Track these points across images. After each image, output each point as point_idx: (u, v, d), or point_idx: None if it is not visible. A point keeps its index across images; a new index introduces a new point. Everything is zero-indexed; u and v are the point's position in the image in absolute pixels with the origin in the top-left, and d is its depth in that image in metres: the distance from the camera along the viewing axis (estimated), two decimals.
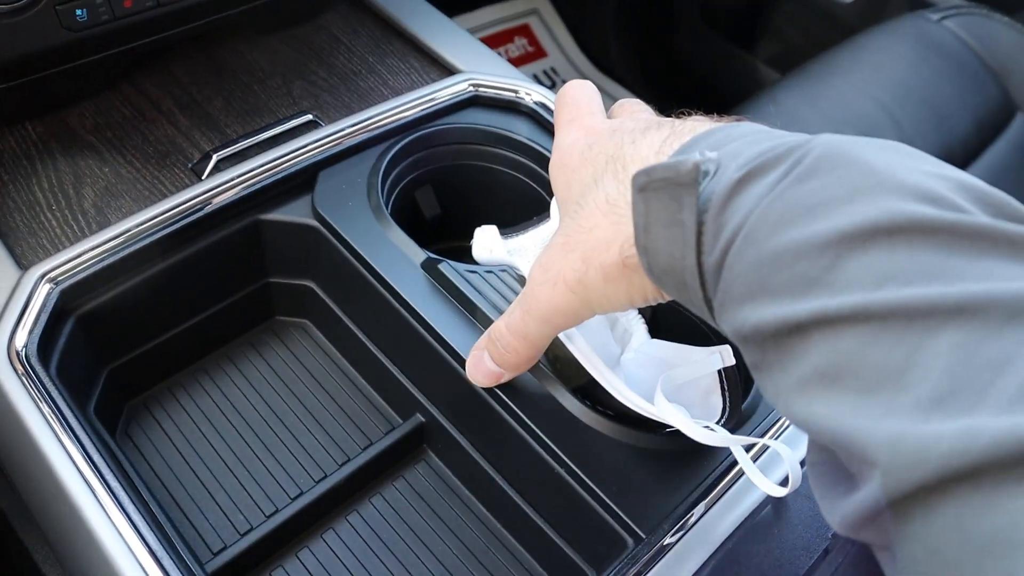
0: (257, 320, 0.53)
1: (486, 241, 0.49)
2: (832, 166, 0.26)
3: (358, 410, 0.49)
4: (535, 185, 0.55)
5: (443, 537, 0.45)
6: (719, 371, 0.40)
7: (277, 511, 0.43)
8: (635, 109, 0.41)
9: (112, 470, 0.38)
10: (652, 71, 1.26)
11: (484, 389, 0.42)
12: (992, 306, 0.22)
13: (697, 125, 0.33)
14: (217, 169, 0.49)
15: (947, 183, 0.25)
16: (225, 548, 0.41)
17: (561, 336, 0.41)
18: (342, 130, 0.51)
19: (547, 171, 0.53)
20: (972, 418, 0.20)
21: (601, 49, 1.33)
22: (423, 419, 0.47)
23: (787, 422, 0.42)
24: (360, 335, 0.49)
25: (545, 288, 0.35)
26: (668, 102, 0.54)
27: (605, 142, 0.36)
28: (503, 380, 0.41)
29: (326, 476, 0.46)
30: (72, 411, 0.39)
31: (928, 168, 0.26)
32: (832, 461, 0.25)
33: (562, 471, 0.40)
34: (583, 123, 0.38)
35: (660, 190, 0.28)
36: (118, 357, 0.47)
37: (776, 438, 0.41)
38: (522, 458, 0.42)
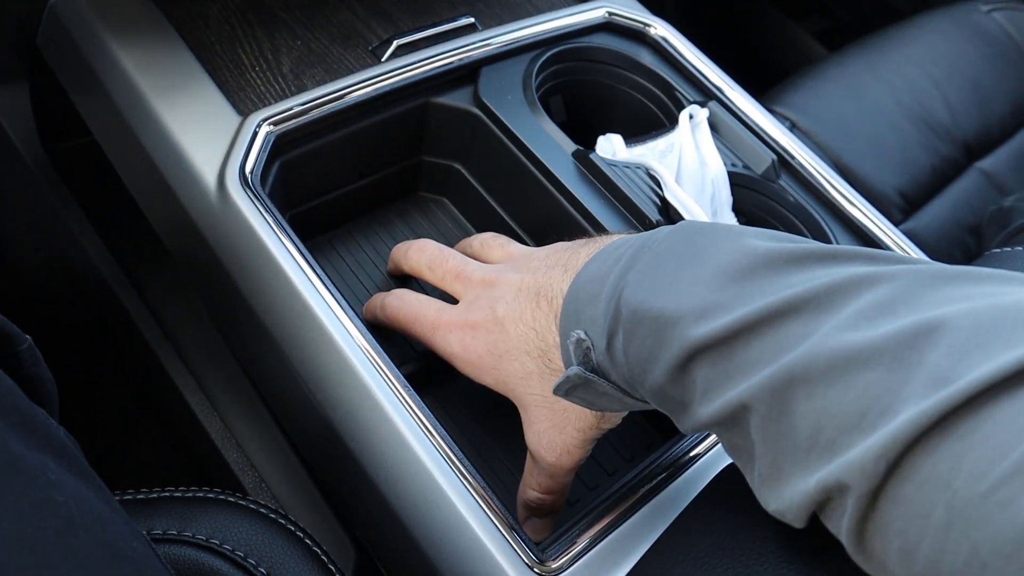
0: (404, 192, 0.61)
1: (610, 146, 0.57)
2: (637, 329, 0.34)
3: None
4: (652, 106, 0.63)
5: None
6: None
7: None
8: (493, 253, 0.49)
9: (323, 271, 0.46)
10: (707, 31, 1.33)
11: None
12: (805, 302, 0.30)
13: (554, 283, 0.41)
14: (394, 55, 0.57)
15: (712, 284, 0.32)
16: (407, 361, 0.50)
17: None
18: (498, 34, 0.59)
19: (664, 93, 0.62)
20: None
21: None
22: None
23: None
24: (502, 213, 0.57)
25: (563, 458, 0.43)
26: (725, 67, 0.63)
27: (503, 349, 0.43)
28: (556, 520, 0.47)
29: None
30: (287, 221, 0.47)
31: (702, 276, 0.33)
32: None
33: None
34: (449, 321, 0.45)
35: (576, 389, 0.38)
36: (298, 205, 0.55)
37: None
38: None
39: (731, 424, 0.31)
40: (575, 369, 0.37)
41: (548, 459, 0.43)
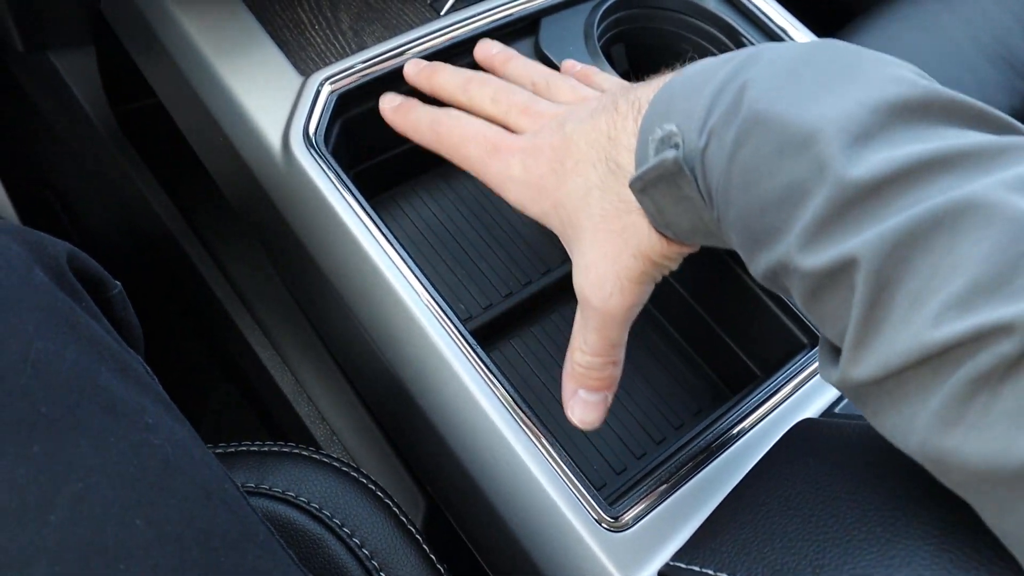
0: None
1: None
2: (756, 132, 0.30)
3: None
4: (717, 52, 0.61)
5: (628, 340, 0.54)
6: None
7: (512, 293, 0.52)
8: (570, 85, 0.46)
9: (388, 228, 0.46)
10: None
11: None
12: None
13: (640, 92, 0.37)
14: (453, 8, 0.56)
15: (864, 110, 0.28)
16: (471, 318, 0.50)
17: None
18: None
19: (730, 40, 0.60)
20: None
21: None
22: None
23: None
24: None
25: (614, 297, 0.38)
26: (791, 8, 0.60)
27: (568, 166, 0.39)
28: (609, 404, 0.42)
29: (531, 282, 0.54)
30: (351, 179, 0.48)
31: (855, 95, 0.29)
32: None
33: (745, 275, 0.48)
34: (512, 143, 0.42)
35: (659, 183, 0.33)
36: (361, 163, 0.55)
37: None
38: (706, 268, 0.50)
39: (835, 273, 0.27)
40: (672, 154, 0.32)
41: (595, 300, 0.38)
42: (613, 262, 0.37)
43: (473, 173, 0.44)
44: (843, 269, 0.27)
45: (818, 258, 0.28)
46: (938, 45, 0.78)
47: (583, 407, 0.41)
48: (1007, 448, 0.23)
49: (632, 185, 0.34)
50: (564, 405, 0.42)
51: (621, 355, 0.41)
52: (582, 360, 0.40)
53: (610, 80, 0.50)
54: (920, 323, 0.25)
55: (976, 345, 0.24)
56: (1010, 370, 0.23)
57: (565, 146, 0.39)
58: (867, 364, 0.27)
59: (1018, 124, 0.29)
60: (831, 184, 0.27)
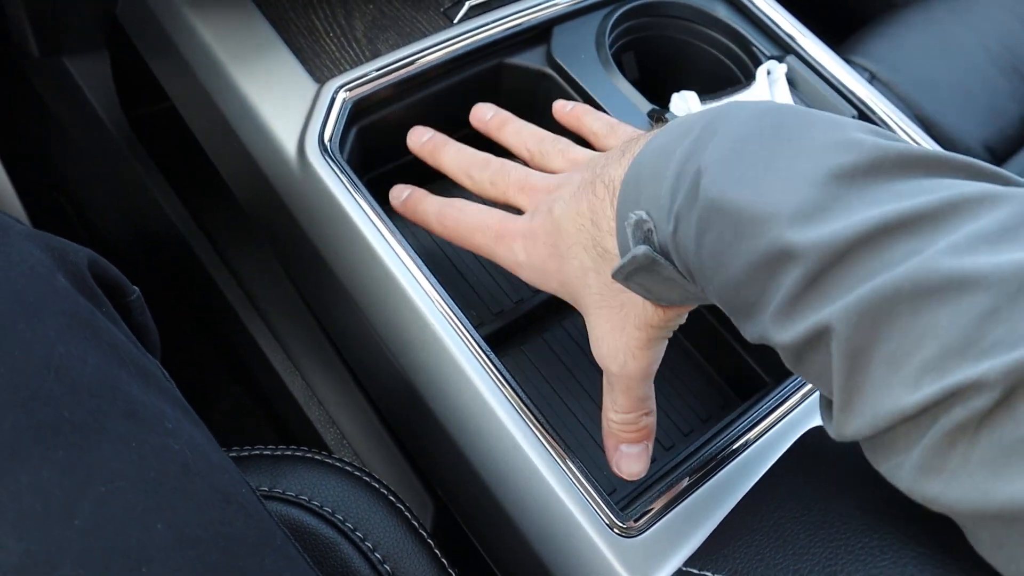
0: None
1: (685, 104, 0.56)
2: (715, 219, 0.31)
3: None
4: (728, 62, 0.61)
5: None
6: None
7: (523, 300, 0.52)
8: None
9: (401, 234, 0.47)
10: None
11: None
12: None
13: (613, 171, 0.38)
14: (467, 16, 0.56)
15: (813, 185, 0.29)
16: (482, 324, 0.50)
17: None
18: None
19: (740, 48, 0.60)
20: None
21: None
22: None
23: None
24: None
25: (629, 364, 0.40)
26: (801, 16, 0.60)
27: (563, 249, 0.41)
28: (651, 452, 0.44)
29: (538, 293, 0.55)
30: (364, 186, 0.48)
31: (802, 171, 0.29)
32: None
33: None
34: (513, 229, 0.44)
35: (637, 272, 0.35)
36: (374, 169, 0.56)
37: None
38: None
39: (812, 341, 0.29)
40: (642, 248, 0.34)
41: (613, 368, 0.41)
42: (620, 334, 0.40)
43: (485, 257, 0.46)
44: (819, 337, 0.28)
45: (792, 333, 0.29)
46: (947, 53, 0.79)
47: (627, 461, 0.43)
48: (987, 493, 0.25)
49: (615, 276, 0.36)
50: (609, 462, 0.44)
51: (652, 404, 0.43)
52: (616, 419, 0.42)
53: (598, 121, 0.51)
54: (899, 388, 0.27)
55: (951, 402, 0.25)
56: (984, 421, 0.25)
57: (556, 231, 0.41)
58: (856, 424, 0.28)
59: (974, 162, 0.29)
60: (795, 260, 0.28)
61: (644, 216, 0.34)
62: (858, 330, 0.27)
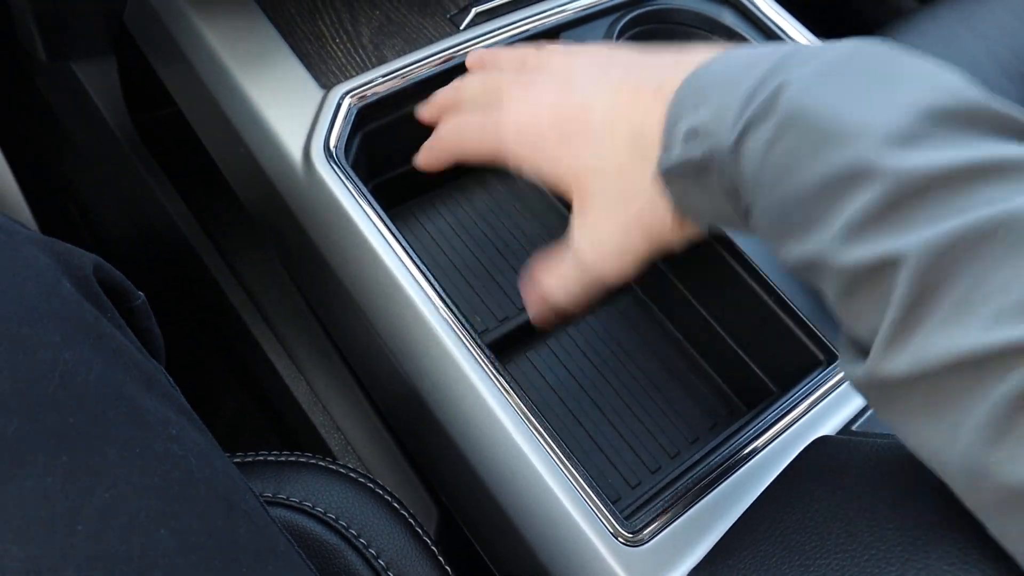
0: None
1: None
2: (793, 129, 0.30)
3: None
4: None
5: (643, 354, 0.54)
6: None
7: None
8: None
9: (407, 240, 0.47)
10: None
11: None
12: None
13: (663, 73, 0.37)
14: (473, 22, 0.56)
15: (910, 113, 0.28)
16: (487, 330, 0.50)
17: None
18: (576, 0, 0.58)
19: None
20: None
21: None
22: None
23: None
24: None
25: (610, 262, 0.39)
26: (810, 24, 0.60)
27: (594, 120, 0.39)
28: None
29: None
30: (370, 192, 0.48)
31: (901, 98, 0.28)
32: None
33: (762, 291, 0.48)
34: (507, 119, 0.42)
35: (685, 176, 0.34)
36: (379, 175, 0.56)
37: None
38: (722, 284, 0.50)
39: (876, 268, 0.27)
40: (700, 150, 0.33)
41: (589, 257, 0.39)
42: (623, 235, 0.38)
43: (497, 162, 0.44)
44: (885, 266, 0.27)
45: (858, 255, 0.27)
46: (956, 60, 0.78)
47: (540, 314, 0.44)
48: None
49: (662, 172, 0.35)
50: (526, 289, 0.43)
51: (586, 307, 0.42)
52: (556, 293, 0.42)
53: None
54: (969, 328, 0.24)
55: None
56: None
57: (576, 118, 0.39)
58: (901, 360, 0.26)
59: None
60: (879, 180, 0.27)
61: (707, 119, 0.33)
62: (936, 265, 0.25)
